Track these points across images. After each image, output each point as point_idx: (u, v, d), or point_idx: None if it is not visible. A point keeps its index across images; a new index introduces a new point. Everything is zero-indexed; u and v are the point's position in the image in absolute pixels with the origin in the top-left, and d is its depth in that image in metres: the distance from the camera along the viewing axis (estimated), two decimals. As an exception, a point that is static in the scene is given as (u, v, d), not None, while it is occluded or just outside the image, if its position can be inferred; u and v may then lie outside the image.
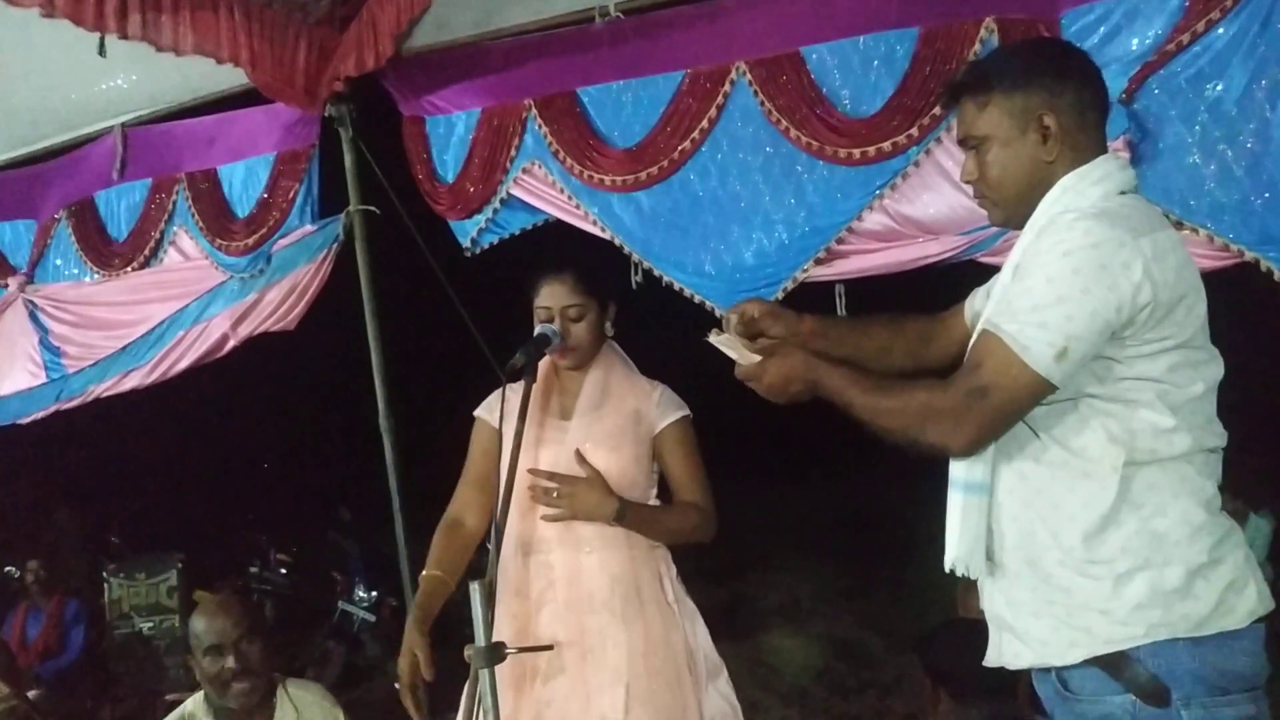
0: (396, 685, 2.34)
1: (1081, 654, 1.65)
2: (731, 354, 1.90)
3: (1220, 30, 2.55)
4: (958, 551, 1.76)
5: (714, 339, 1.92)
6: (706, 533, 2.47)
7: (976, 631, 1.91)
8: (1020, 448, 1.71)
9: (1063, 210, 1.68)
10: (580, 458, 2.36)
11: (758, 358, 1.86)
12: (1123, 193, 1.71)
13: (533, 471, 2.34)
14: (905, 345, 2.12)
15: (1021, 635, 1.74)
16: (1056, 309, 1.57)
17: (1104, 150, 1.77)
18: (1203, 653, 1.61)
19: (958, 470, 1.74)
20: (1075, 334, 1.57)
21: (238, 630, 2.49)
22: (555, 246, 2.89)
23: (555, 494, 2.33)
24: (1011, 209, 1.81)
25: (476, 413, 2.59)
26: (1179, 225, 2.59)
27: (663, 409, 2.50)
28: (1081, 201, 1.68)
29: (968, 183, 1.86)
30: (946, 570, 1.81)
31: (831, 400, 1.77)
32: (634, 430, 2.46)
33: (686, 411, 2.51)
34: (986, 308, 1.78)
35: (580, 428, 2.43)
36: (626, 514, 2.35)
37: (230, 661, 2.47)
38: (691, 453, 2.50)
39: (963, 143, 1.84)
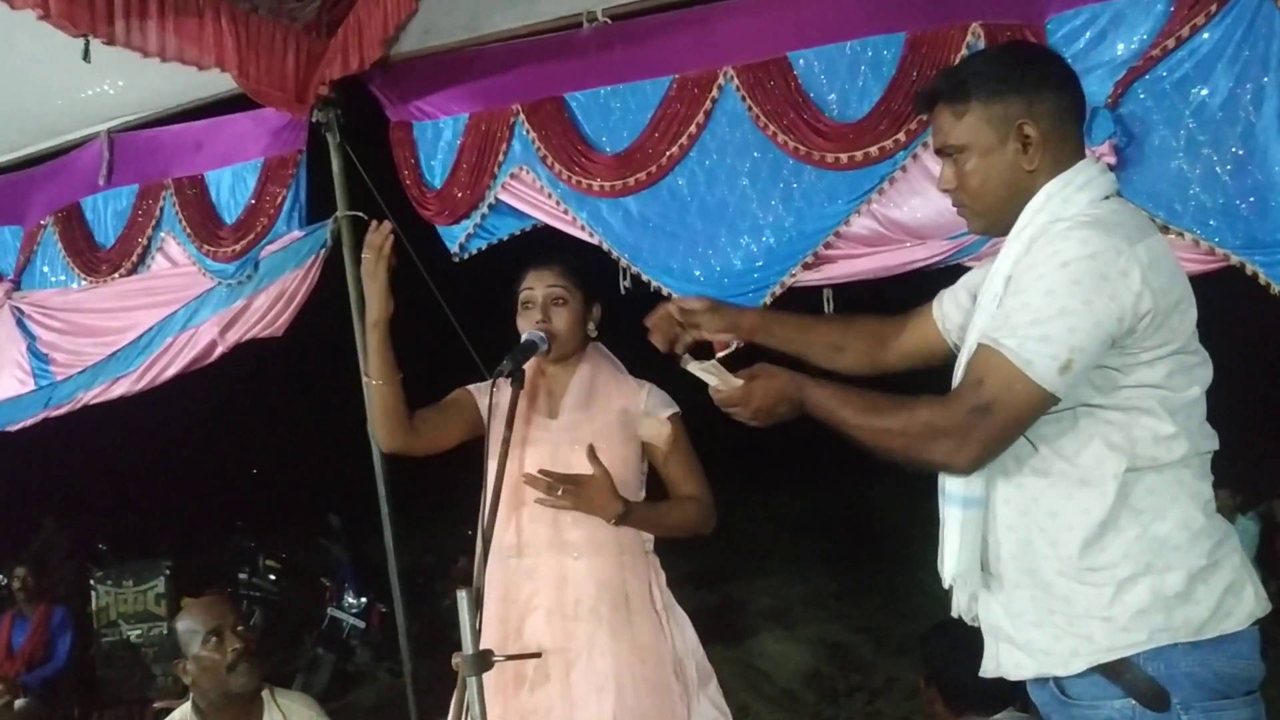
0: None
1: (1084, 663, 1.64)
2: (710, 380, 1.81)
3: (1205, 35, 2.56)
4: (958, 567, 1.75)
5: (691, 366, 1.84)
6: (706, 525, 2.46)
7: (973, 635, 1.89)
8: (1016, 457, 1.69)
9: (1052, 219, 1.66)
10: (592, 454, 2.33)
11: (739, 382, 1.78)
12: (1106, 197, 1.70)
13: (543, 472, 2.30)
14: (859, 345, 2.10)
15: (1023, 646, 1.72)
16: (1058, 322, 1.56)
17: (1083, 155, 1.75)
18: (1201, 656, 1.60)
19: (955, 486, 1.72)
20: (1079, 346, 1.56)
21: (233, 615, 2.58)
22: (544, 248, 2.89)
23: (560, 493, 2.28)
24: (993, 218, 1.79)
25: (467, 387, 2.57)
26: (1165, 229, 2.60)
27: (651, 408, 2.49)
28: (1069, 209, 1.67)
29: (946, 191, 1.83)
30: (946, 587, 1.80)
31: (821, 420, 1.73)
32: (621, 431, 2.45)
33: (676, 408, 2.50)
34: (977, 319, 1.76)
35: (566, 427, 2.42)
36: (631, 514, 2.33)
37: (236, 642, 2.51)
38: (684, 448, 2.49)
39: (940, 151, 1.82)
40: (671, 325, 2.14)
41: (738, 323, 2.03)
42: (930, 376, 2.02)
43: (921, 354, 2.09)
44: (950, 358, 2.01)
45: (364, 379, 2.44)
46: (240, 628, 2.56)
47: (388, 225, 2.31)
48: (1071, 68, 1.83)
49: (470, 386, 2.57)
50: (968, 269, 2.73)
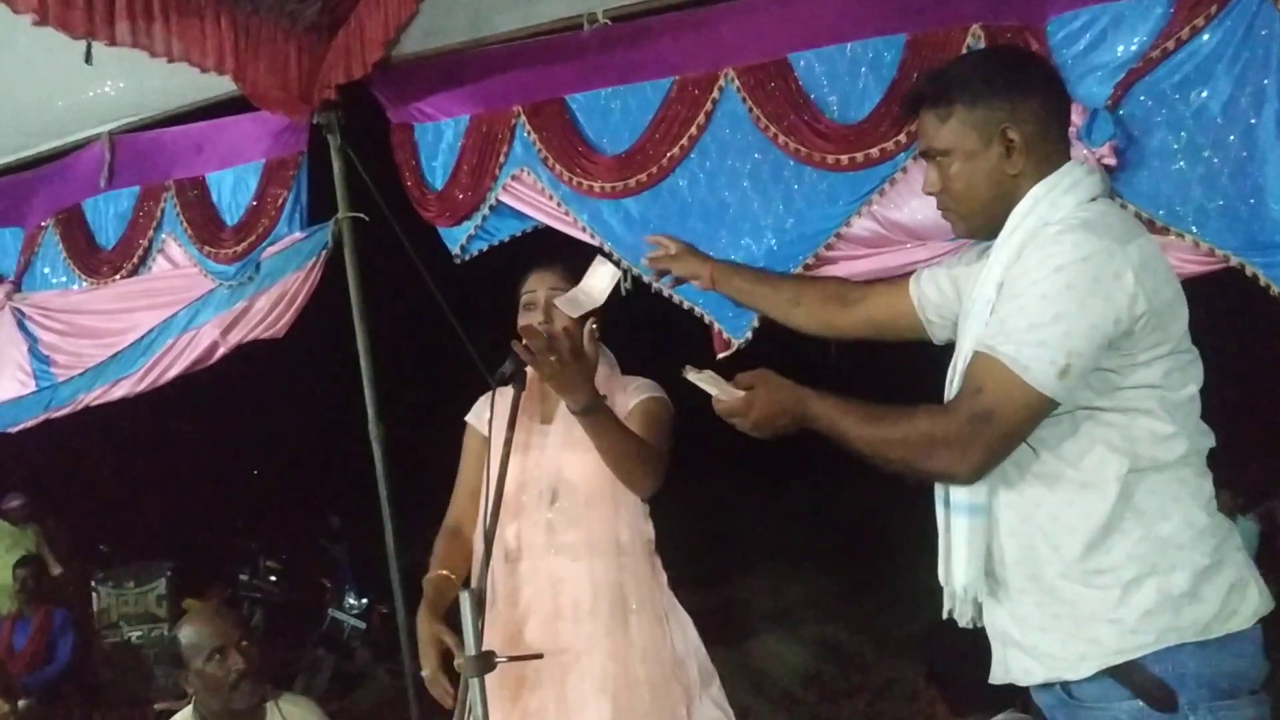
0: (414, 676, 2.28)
1: (1093, 666, 1.64)
2: (712, 390, 1.81)
3: (1205, 37, 2.56)
4: (966, 577, 1.75)
5: (692, 376, 1.83)
6: (650, 474, 2.34)
7: (974, 636, 1.90)
8: (1016, 463, 1.69)
9: (1041, 223, 1.66)
10: (591, 335, 2.22)
11: (740, 393, 1.78)
12: (1094, 199, 1.70)
13: (531, 330, 2.20)
14: (816, 302, 2.11)
15: (1030, 651, 1.72)
16: (1054, 326, 1.56)
17: (1068, 157, 1.76)
18: (1208, 656, 1.60)
19: (961, 495, 1.72)
20: (1076, 350, 1.56)
21: (238, 631, 2.55)
22: (546, 249, 2.89)
23: (546, 354, 2.15)
24: (978, 222, 1.79)
25: (467, 419, 2.58)
26: (1165, 230, 2.60)
27: (631, 391, 2.47)
28: (1057, 212, 1.67)
29: (930, 194, 1.83)
30: (957, 596, 1.79)
31: (822, 431, 1.73)
32: None
33: (659, 393, 2.47)
34: (969, 325, 1.75)
35: (561, 432, 2.42)
36: (597, 410, 2.22)
37: (239, 662, 2.49)
38: (654, 420, 2.42)
39: (924, 155, 1.82)
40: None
41: (698, 271, 2.11)
42: (922, 374, 2.03)
43: (882, 325, 2.09)
44: (914, 336, 2.03)
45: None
46: (244, 643, 2.53)
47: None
48: (1056, 71, 1.85)
49: (470, 419, 2.56)
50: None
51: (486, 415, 2.44)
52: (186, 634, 2.55)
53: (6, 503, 7.61)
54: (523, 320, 2.44)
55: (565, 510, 2.39)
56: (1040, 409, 1.60)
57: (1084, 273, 1.57)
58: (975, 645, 1.88)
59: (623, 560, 2.41)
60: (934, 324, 2.02)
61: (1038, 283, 1.59)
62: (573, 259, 2.53)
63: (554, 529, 2.38)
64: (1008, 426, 1.60)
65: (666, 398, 2.49)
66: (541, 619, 2.36)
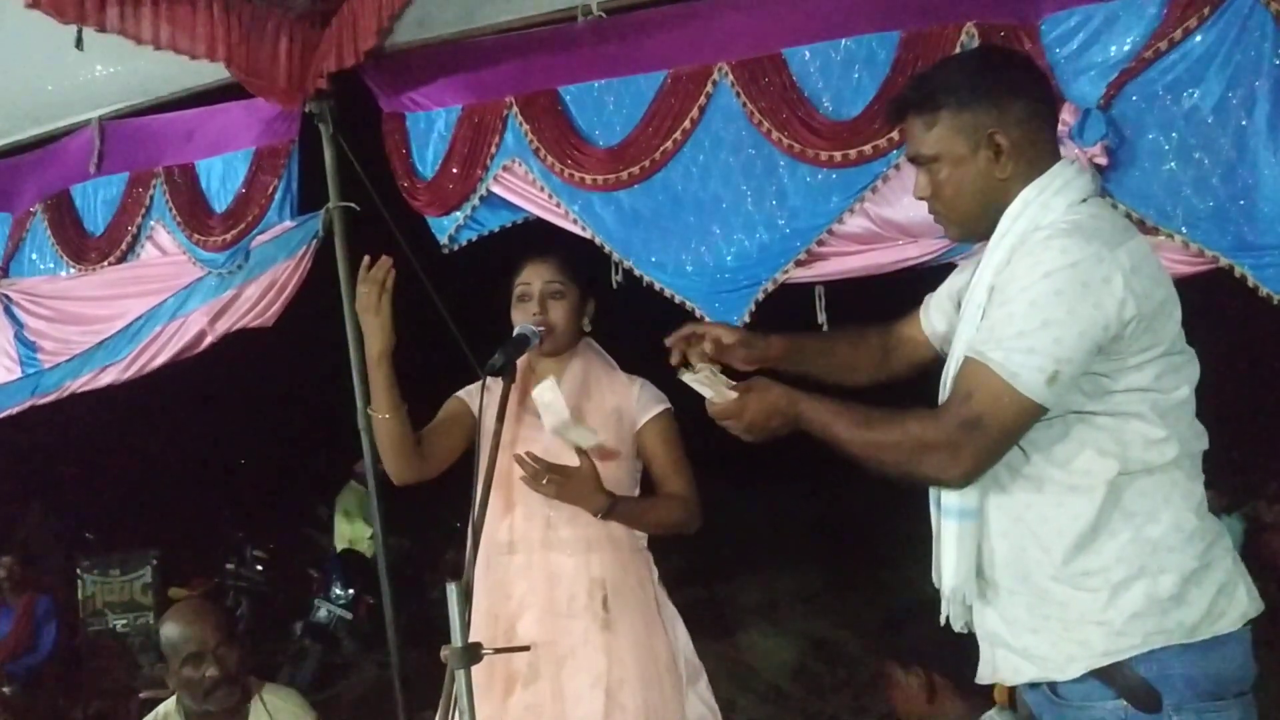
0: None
1: (1081, 668, 1.64)
2: (706, 391, 1.81)
3: (1198, 38, 2.56)
4: (956, 579, 1.75)
5: (687, 377, 1.84)
6: (691, 524, 2.44)
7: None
8: (1007, 465, 1.69)
9: (1031, 226, 1.66)
10: (579, 451, 2.31)
11: (734, 394, 1.77)
12: (1084, 200, 1.70)
13: (528, 454, 2.29)
14: (869, 361, 2.11)
15: (1019, 651, 1.72)
16: (1043, 333, 1.56)
17: (1057, 157, 1.75)
18: (1194, 657, 1.61)
19: (951, 499, 1.72)
20: (1065, 356, 1.56)
21: (216, 637, 2.46)
22: (537, 241, 2.88)
23: (545, 481, 2.27)
24: (969, 226, 1.80)
25: (458, 394, 2.56)
26: (1155, 231, 2.61)
27: (643, 404, 2.48)
28: (1047, 215, 1.67)
29: (921, 199, 1.83)
30: (950, 598, 1.80)
31: (815, 434, 1.73)
32: (616, 429, 2.44)
33: (668, 404, 2.49)
34: (962, 329, 1.75)
35: None
36: (616, 509, 2.33)
37: (212, 669, 2.43)
38: (674, 445, 2.48)
39: (913, 160, 1.82)
40: (696, 349, 2.04)
41: (766, 353, 2.02)
42: (917, 377, 2.03)
43: (916, 361, 2.10)
44: (941, 359, 2.02)
45: (368, 413, 2.42)
46: (222, 648, 2.45)
47: (388, 260, 2.27)
48: (1041, 72, 1.83)
49: (460, 393, 2.55)
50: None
51: (479, 399, 2.42)
52: (166, 632, 2.50)
53: (362, 467, 7.64)
54: (516, 312, 2.44)
55: (563, 505, 2.37)
56: (1029, 415, 1.60)
57: (1073, 279, 1.56)
58: (948, 631, 1.88)
59: (618, 556, 2.41)
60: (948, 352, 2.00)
61: (1026, 289, 1.59)
62: (567, 251, 2.52)
63: (551, 523, 2.37)
64: (998, 432, 1.60)
65: (670, 405, 2.50)
66: (536, 614, 2.36)
